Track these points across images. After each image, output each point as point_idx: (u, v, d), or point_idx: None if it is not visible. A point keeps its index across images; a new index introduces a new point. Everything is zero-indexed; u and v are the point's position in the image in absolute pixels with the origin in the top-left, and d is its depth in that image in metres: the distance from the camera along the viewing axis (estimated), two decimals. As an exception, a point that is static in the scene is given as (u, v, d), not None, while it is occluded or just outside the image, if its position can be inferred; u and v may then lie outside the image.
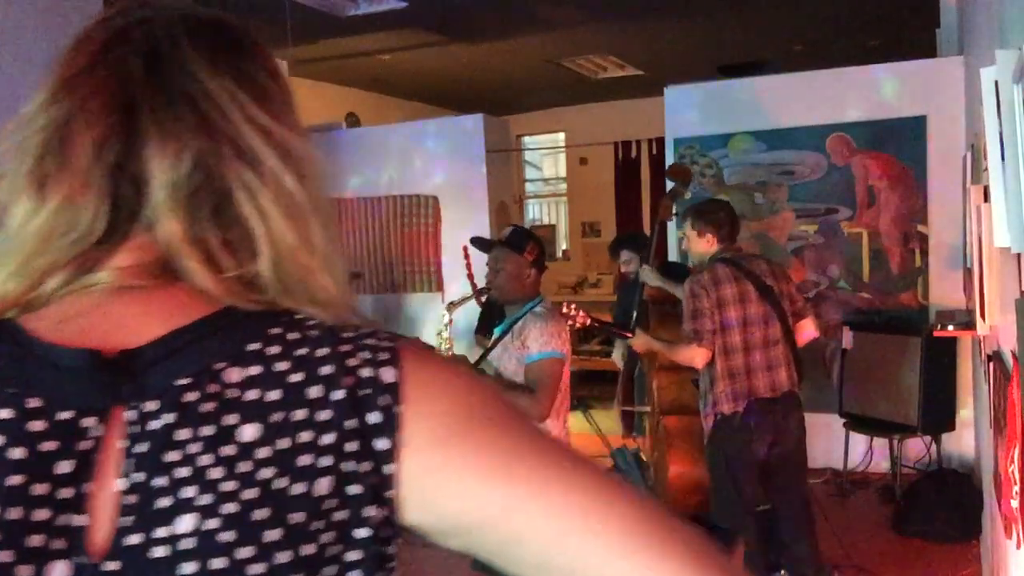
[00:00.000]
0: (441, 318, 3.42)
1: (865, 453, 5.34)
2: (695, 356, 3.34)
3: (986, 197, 2.51)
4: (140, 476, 0.56)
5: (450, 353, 3.34)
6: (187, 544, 0.54)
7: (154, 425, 0.56)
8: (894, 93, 5.33)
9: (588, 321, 4.01)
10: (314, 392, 0.59)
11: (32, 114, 0.62)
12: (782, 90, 5.65)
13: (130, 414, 0.57)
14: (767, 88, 5.74)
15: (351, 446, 0.59)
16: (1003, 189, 1.78)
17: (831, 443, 5.17)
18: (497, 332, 3.04)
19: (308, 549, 0.56)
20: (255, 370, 0.59)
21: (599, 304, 8.12)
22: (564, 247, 10.90)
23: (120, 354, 0.58)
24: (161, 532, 0.55)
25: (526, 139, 10.90)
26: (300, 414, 0.58)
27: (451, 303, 3.45)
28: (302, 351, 0.61)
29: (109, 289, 0.61)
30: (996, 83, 1.76)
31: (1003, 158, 1.78)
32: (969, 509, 4.21)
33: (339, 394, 0.59)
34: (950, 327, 4.32)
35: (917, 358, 4.85)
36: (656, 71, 7.97)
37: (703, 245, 3.47)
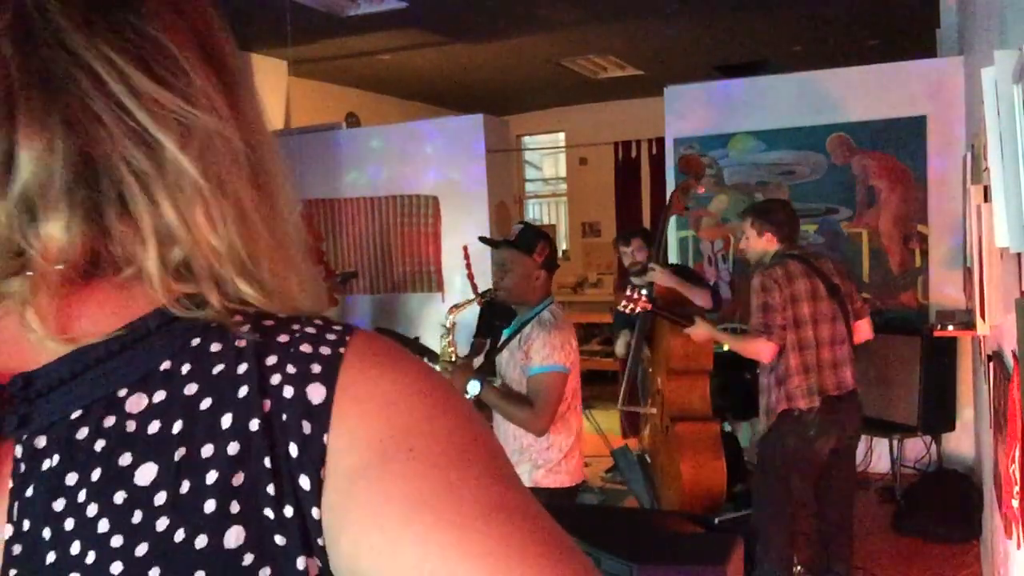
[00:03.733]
0: (443, 324, 3.36)
1: (865, 453, 5.34)
2: (763, 350, 3.28)
3: (986, 197, 2.51)
4: (27, 524, 0.48)
5: (455, 359, 3.28)
6: None
7: (43, 465, 0.49)
8: (894, 93, 5.33)
9: (649, 306, 3.86)
10: (226, 421, 0.49)
11: None
12: (782, 90, 5.65)
13: (18, 450, 0.49)
14: (767, 88, 5.74)
15: (270, 488, 0.49)
16: (1003, 189, 1.78)
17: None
18: (506, 334, 2.98)
19: None
20: (159, 396, 0.50)
21: (599, 304, 8.14)
22: (564, 247, 10.90)
23: (12, 379, 0.50)
24: None
25: (526, 139, 10.90)
26: (208, 450, 0.49)
27: (453, 306, 3.39)
28: (219, 368, 0.51)
29: (18, 303, 0.51)
30: (996, 83, 1.76)
31: (1003, 158, 1.78)
32: (969, 509, 4.21)
33: (255, 424, 0.49)
34: (950, 327, 4.33)
35: (917, 358, 4.85)
36: (656, 71, 7.97)
37: (762, 244, 3.45)
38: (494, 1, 5.96)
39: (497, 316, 3.55)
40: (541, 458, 2.82)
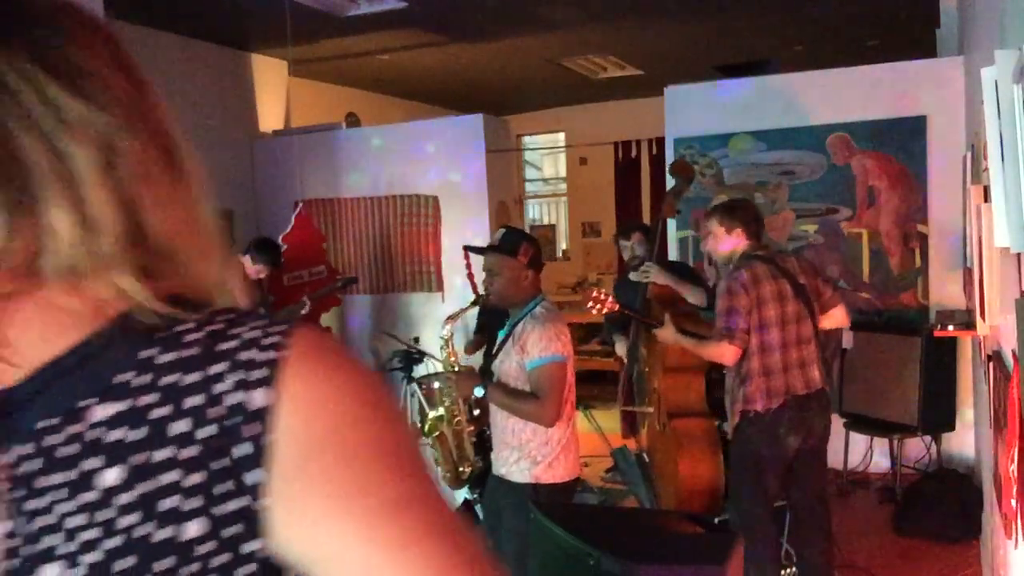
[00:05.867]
0: (441, 336, 3.37)
1: (865, 453, 5.34)
2: (725, 353, 3.31)
3: (986, 197, 2.51)
4: (15, 522, 0.55)
5: (457, 368, 3.32)
6: None
7: (30, 468, 0.55)
8: (894, 93, 5.33)
9: (616, 307, 3.92)
10: (180, 427, 0.56)
11: None
12: (782, 90, 5.65)
13: (8, 458, 0.56)
14: (767, 88, 5.74)
15: (222, 487, 0.56)
16: (1003, 189, 1.78)
17: (831, 443, 5.15)
18: (501, 335, 3.02)
19: None
20: (120, 406, 0.56)
21: (599, 304, 8.12)
22: (564, 247, 10.89)
23: None
24: None
25: (526, 139, 10.90)
26: (164, 453, 0.55)
27: (448, 317, 3.42)
28: (171, 378, 0.56)
29: None
30: (996, 83, 1.76)
31: (1003, 158, 1.78)
32: (969, 509, 4.21)
33: (207, 430, 0.56)
34: (950, 327, 4.33)
35: (917, 358, 4.86)
36: (656, 71, 7.96)
37: (730, 243, 3.45)
38: (494, 1, 5.96)
39: (497, 315, 3.56)
40: (539, 453, 2.86)
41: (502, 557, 2.75)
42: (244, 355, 0.58)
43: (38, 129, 0.56)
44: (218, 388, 0.57)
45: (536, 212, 11.39)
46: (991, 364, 2.76)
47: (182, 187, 0.62)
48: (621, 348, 4.67)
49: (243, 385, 0.57)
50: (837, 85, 5.49)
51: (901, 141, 5.32)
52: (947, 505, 4.34)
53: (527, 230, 10.55)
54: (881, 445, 5.27)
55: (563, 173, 11.03)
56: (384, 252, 6.67)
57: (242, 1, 5.69)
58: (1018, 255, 1.88)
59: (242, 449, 0.56)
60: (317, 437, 0.57)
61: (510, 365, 2.88)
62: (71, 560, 0.54)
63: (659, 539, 2.36)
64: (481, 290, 3.11)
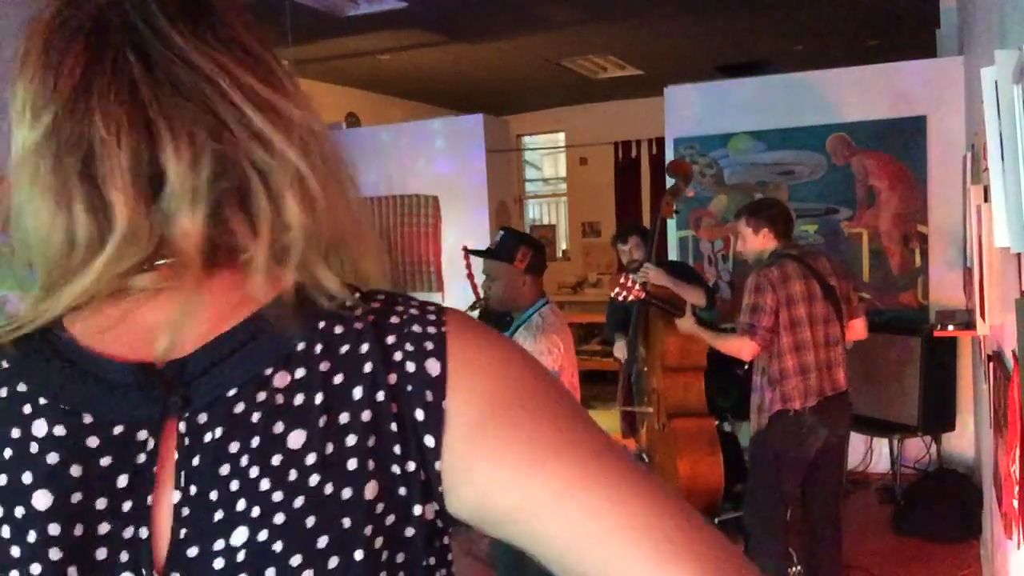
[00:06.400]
0: None
1: (865, 453, 5.34)
2: (744, 348, 3.29)
3: (986, 197, 2.51)
4: (194, 489, 0.56)
5: None
6: (241, 556, 0.55)
7: (206, 438, 0.57)
8: (894, 93, 5.33)
9: (643, 295, 3.91)
10: (357, 393, 0.59)
11: (48, 128, 0.57)
12: (782, 90, 5.65)
13: (182, 426, 0.57)
14: (767, 88, 5.73)
15: (396, 448, 0.58)
16: (1003, 189, 1.78)
17: (831, 443, 5.17)
18: None
19: (359, 554, 0.56)
20: (300, 373, 0.58)
21: (599, 304, 8.13)
22: (564, 247, 10.89)
23: (168, 365, 0.58)
24: (218, 544, 0.55)
25: (526, 139, 10.90)
26: (344, 417, 0.58)
27: None
28: (344, 348, 0.60)
29: (150, 293, 0.59)
30: (996, 83, 1.76)
31: (1003, 158, 1.78)
32: (969, 509, 4.21)
33: (381, 395, 0.59)
34: (950, 327, 4.32)
35: (917, 358, 4.85)
36: (656, 71, 7.96)
37: (759, 242, 3.44)
38: (494, 1, 5.96)
39: (498, 317, 3.55)
40: None
41: (503, 557, 2.74)
42: (413, 328, 0.61)
43: (243, 126, 0.58)
44: (393, 357, 0.60)
45: (536, 212, 11.39)
46: (991, 364, 2.76)
47: (338, 176, 0.65)
48: (620, 351, 4.67)
49: (416, 355, 0.60)
50: (837, 85, 5.48)
51: (901, 141, 5.32)
52: (947, 505, 4.34)
53: (527, 230, 10.58)
54: (881, 445, 5.27)
55: (563, 173, 11.03)
56: (384, 252, 6.67)
57: (242, 1, 5.68)
58: (1018, 255, 1.88)
59: (419, 414, 0.59)
60: (494, 397, 0.60)
61: None
62: (259, 523, 0.55)
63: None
64: (482, 292, 3.07)
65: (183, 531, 0.56)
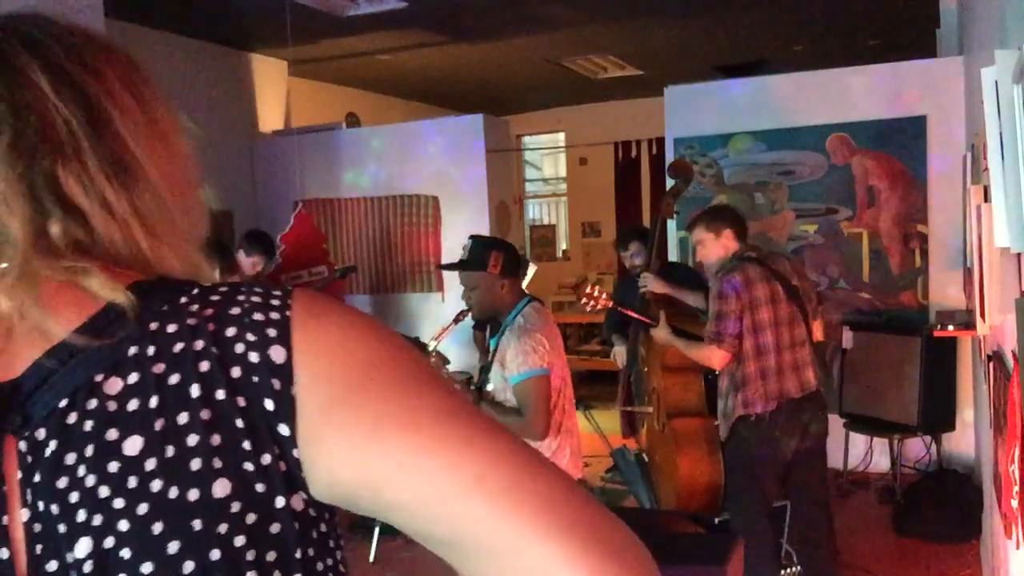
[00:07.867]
0: (428, 352, 3.31)
1: (865, 453, 5.34)
2: (713, 357, 3.32)
3: (986, 197, 2.51)
4: (41, 505, 0.56)
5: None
6: (88, 567, 0.55)
7: (46, 452, 0.56)
8: (894, 93, 5.33)
9: (610, 304, 3.96)
10: (195, 391, 0.57)
11: None
12: (782, 90, 5.65)
13: (22, 445, 0.57)
14: (767, 88, 5.74)
15: (246, 444, 0.57)
16: (1003, 189, 1.78)
17: (831, 443, 5.11)
18: (492, 344, 2.96)
19: (215, 554, 0.56)
20: (133, 378, 0.57)
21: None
22: (564, 247, 10.89)
23: (4, 384, 0.57)
24: (69, 557, 0.55)
25: (526, 139, 10.90)
26: (183, 418, 0.57)
27: (432, 339, 3.36)
28: (179, 346, 0.58)
29: None
30: (996, 83, 1.76)
31: (1003, 158, 1.78)
32: (969, 509, 4.21)
33: (221, 392, 0.58)
34: (950, 327, 4.32)
35: (917, 358, 4.85)
36: (656, 71, 7.96)
37: (721, 246, 3.44)
38: (494, 1, 5.96)
39: (486, 326, 3.55)
40: None
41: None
42: (254, 316, 0.60)
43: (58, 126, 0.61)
44: (234, 350, 0.59)
45: (536, 212, 11.39)
46: (991, 364, 2.76)
47: (174, 166, 0.67)
48: (619, 355, 4.68)
49: (259, 344, 0.59)
50: (837, 85, 5.48)
51: (901, 141, 5.32)
52: (947, 505, 4.34)
53: (527, 230, 10.58)
54: (881, 445, 5.27)
55: (563, 173, 11.03)
56: (384, 252, 6.67)
57: (242, 1, 5.69)
58: (1018, 255, 1.88)
59: (268, 404, 0.58)
60: (339, 378, 0.59)
61: (497, 379, 2.84)
62: (102, 532, 0.55)
63: (659, 539, 2.36)
64: (464, 305, 3.04)
65: (38, 547, 0.56)
